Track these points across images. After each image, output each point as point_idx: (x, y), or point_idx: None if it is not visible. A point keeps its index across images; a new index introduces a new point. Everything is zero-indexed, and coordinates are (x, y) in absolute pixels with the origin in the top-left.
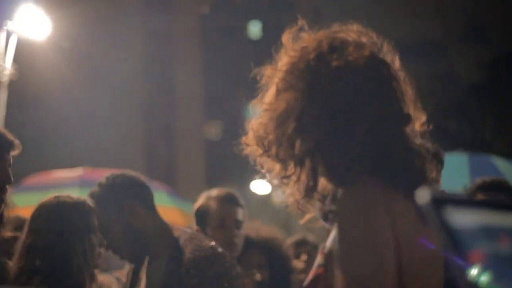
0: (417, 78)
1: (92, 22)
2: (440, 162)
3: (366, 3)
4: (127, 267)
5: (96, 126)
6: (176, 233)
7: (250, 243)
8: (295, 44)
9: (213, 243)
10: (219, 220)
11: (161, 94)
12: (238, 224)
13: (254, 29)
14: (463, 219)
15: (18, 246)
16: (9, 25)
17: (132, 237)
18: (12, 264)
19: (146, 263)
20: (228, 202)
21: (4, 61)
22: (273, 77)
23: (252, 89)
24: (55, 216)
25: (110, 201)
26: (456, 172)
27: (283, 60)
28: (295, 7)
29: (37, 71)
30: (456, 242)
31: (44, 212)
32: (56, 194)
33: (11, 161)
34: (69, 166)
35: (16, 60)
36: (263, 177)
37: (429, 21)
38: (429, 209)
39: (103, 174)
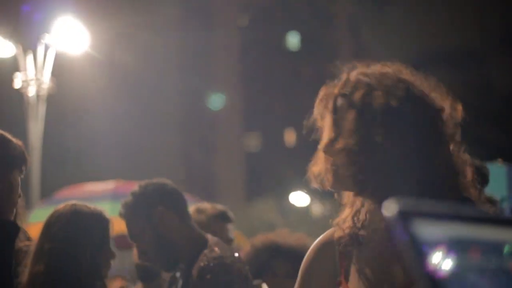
0: (454, 88)
1: (130, 35)
2: (485, 179)
3: (403, 14)
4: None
5: (135, 139)
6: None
7: (276, 251)
8: (364, 74)
9: (236, 254)
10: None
11: (200, 107)
12: (229, 241)
13: (293, 40)
14: (432, 231)
15: (31, 251)
16: (47, 38)
17: (163, 244)
18: (23, 269)
19: (180, 270)
20: (220, 219)
21: (42, 75)
22: (344, 104)
23: (291, 101)
24: (72, 224)
25: (141, 208)
26: (494, 183)
27: (359, 92)
28: (332, 18)
29: (76, 84)
30: (423, 255)
31: (61, 219)
32: (73, 202)
33: (23, 173)
34: (106, 178)
35: (54, 73)
36: (302, 189)
37: (466, 31)
38: (396, 222)
39: (135, 187)
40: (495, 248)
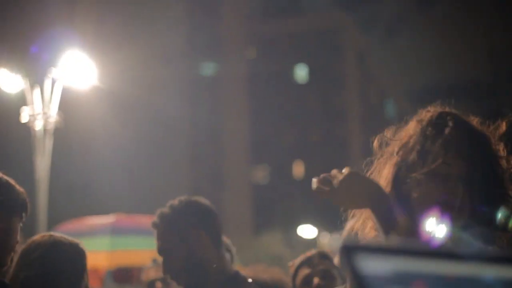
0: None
1: (138, 68)
2: None
3: (412, 46)
4: None
5: (142, 172)
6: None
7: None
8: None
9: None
10: None
11: (208, 139)
12: None
13: (301, 72)
14: (376, 266)
15: (6, 279)
16: (54, 72)
17: (193, 265)
18: None
19: None
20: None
21: (49, 109)
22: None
23: (298, 133)
24: (49, 254)
25: (178, 225)
26: None
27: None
28: (340, 50)
29: (82, 118)
30: None
31: (38, 249)
32: (51, 233)
33: (23, 220)
34: (113, 212)
35: (61, 107)
36: (310, 221)
37: (478, 62)
38: (341, 256)
39: (135, 221)
40: (439, 281)
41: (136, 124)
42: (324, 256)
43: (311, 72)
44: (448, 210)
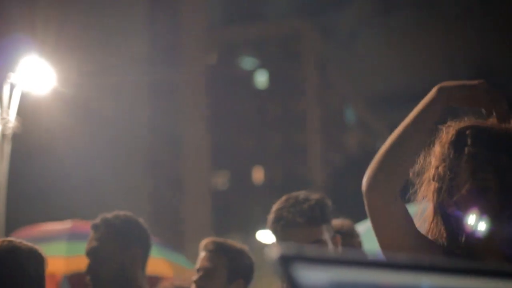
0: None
1: (97, 73)
2: None
3: (372, 53)
4: None
5: (101, 177)
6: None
7: None
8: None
9: None
10: None
11: (168, 144)
12: None
13: (261, 78)
14: (313, 276)
15: None
16: (12, 77)
17: (124, 281)
18: None
19: None
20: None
21: (8, 114)
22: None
23: (258, 139)
24: (8, 260)
25: (121, 235)
26: None
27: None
28: (300, 57)
29: (42, 123)
30: None
31: None
32: (9, 239)
33: None
34: (72, 217)
35: (20, 112)
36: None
37: (437, 69)
38: (278, 266)
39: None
40: None
41: (96, 129)
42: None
43: (271, 78)
44: (495, 222)
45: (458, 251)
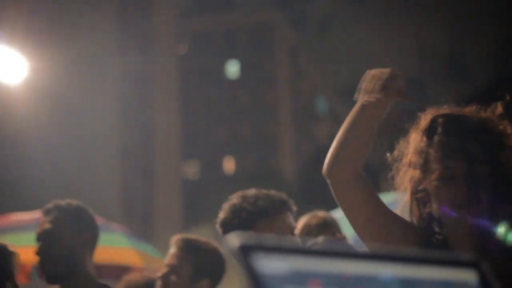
0: (395, 116)
1: (69, 63)
2: None
3: (344, 44)
4: None
5: (72, 167)
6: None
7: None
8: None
9: None
10: None
11: (139, 134)
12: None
13: (232, 68)
14: (273, 265)
15: None
16: None
17: (73, 264)
18: None
19: None
20: (183, 248)
21: None
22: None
23: (229, 129)
24: None
25: (68, 224)
26: None
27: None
28: (272, 47)
29: (13, 113)
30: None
31: None
32: None
33: None
34: (42, 208)
35: None
36: None
37: (407, 60)
38: (237, 256)
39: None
40: (335, 279)
41: (67, 120)
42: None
43: (243, 68)
44: (463, 209)
45: (433, 239)
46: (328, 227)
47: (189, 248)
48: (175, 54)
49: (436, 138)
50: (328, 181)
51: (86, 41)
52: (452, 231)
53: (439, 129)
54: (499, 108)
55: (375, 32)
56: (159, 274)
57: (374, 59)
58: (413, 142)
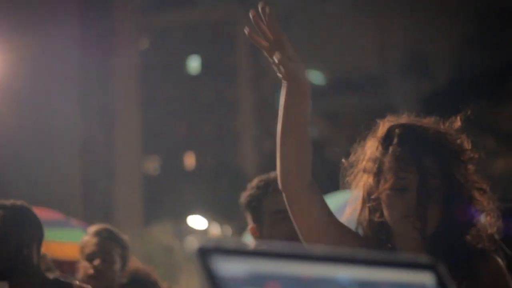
0: (355, 112)
1: (29, 56)
2: None
3: (305, 40)
4: None
5: (32, 161)
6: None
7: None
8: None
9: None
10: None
11: (99, 129)
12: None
13: (193, 64)
14: (231, 268)
15: None
16: None
17: (21, 261)
18: None
19: None
20: (109, 238)
21: None
22: None
23: (190, 124)
24: None
25: (14, 222)
26: None
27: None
28: (233, 42)
29: None
30: None
31: None
32: None
33: None
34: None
35: None
36: (200, 212)
37: (368, 56)
38: (196, 258)
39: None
40: (293, 282)
41: (25, 115)
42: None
43: (204, 64)
44: (412, 221)
45: (379, 249)
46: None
47: (113, 237)
48: (136, 49)
49: (391, 148)
50: (283, 193)
51: (47, 34)
52: (400, 242)
53: (395, 140)
54: (457, 122)
55: (337, 28)
56: (95, 263)
57: (335, 55)
58: (369, 149)
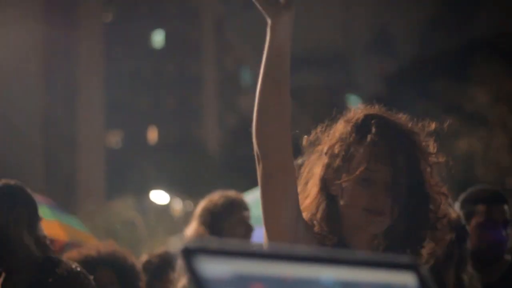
0: (319, 90)
1: None
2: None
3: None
4: None
5: None
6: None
7: (94, 262)
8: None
9: (74, 265)
10: None
11: (62, 102)
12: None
13: (157, 38)
14: (216, 268)
15: None
16: None
17: (9, 240)
18: None
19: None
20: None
21: None
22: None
23: (153, 99)
24: None
25: (9, 199)
26: None
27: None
28: (198, 17)
29: None
30: None
31: None
32: None
33: None
34: None
35: None
36: (162, 187)
37: (333, 33)
38: (180, 258)
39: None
40: (277, 283)
41: None
42: None
43: (168, 38)
44: (373, 215)
45: (327, 239)
46: (235, 209)
47: None
48: (100, 22)
49: (369, 137)
50: (257, 150)
51: (8, 6)
52: (353, 234)
53: (373, 130)
54: (431, 126)
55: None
56: None
57: (299, 32)
58: (338, 132)
